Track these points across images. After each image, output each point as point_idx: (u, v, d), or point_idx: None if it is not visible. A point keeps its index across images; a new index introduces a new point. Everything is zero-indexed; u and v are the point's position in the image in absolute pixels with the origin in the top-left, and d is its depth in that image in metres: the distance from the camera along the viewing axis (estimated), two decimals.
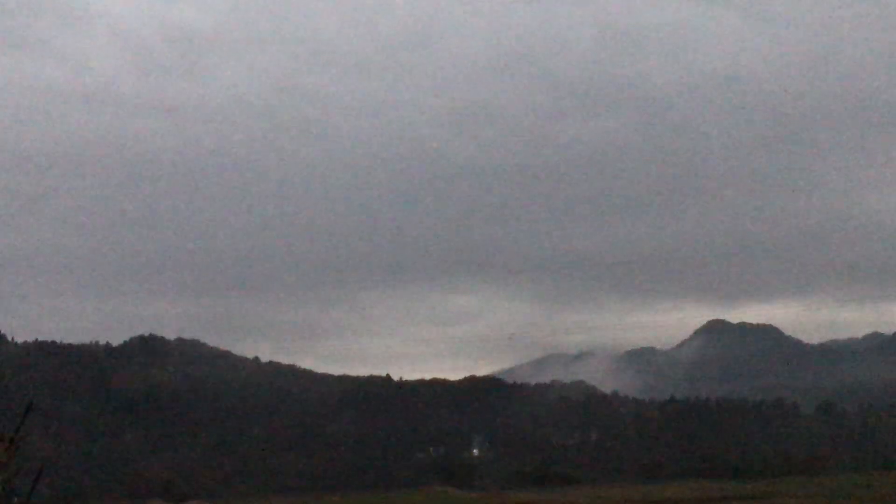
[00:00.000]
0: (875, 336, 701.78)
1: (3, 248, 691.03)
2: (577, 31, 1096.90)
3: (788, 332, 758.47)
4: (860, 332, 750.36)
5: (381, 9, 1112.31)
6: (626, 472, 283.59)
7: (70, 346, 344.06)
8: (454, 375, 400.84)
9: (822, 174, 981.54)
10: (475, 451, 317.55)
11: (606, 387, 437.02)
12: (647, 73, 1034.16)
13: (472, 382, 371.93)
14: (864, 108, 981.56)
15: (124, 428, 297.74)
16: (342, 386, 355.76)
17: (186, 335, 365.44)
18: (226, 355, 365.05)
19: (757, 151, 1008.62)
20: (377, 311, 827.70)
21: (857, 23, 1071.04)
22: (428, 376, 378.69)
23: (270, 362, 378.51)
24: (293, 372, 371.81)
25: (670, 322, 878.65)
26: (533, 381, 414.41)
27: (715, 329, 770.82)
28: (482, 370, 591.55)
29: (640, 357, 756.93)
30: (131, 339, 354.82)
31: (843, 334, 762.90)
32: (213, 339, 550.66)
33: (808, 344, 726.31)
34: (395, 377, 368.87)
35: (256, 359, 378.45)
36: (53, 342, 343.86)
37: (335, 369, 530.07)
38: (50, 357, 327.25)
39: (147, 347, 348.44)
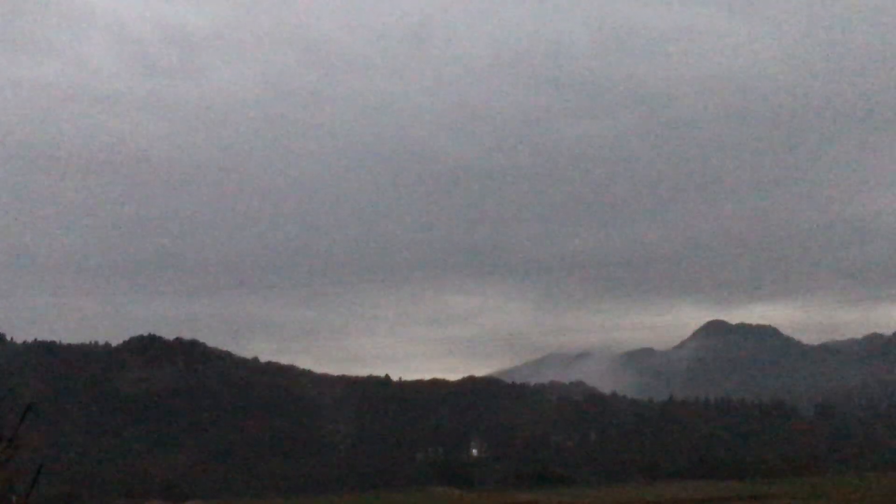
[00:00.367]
0: (874, 337, 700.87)
1: (3, 248, 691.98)
2: (577, 31, 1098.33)
3: (787, 332, 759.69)
4: (859, 333, 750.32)
5: (381, 9, 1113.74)
6: (624, 472, 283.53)
7: (70, 346, 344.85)
8: (453, 376, 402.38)
9: (822, 174, 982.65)
10: (474, 452, 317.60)
11: (605, 387, 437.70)
12: (647, 73, 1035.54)
13: (471, 383, 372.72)
14: (864, 108, 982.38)
15: (124, 428, 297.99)
16: (341, 386, 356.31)
17: (186, 335, 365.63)
18: (226, 355, 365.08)
19: (757, 152, 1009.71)
20: (376, 311, 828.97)
21: (858, 23, 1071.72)
22: (427, 377, 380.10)
23: (270, 362, 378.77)
24: (293, 372, 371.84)
25: (669, 322, 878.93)
26: (532, 382, 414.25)
27: (714, 330, 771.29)
28: (481, 370, 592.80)
29: (639, 357, 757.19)
30: (131, 339, 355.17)
31: (842, 335, 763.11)
32: (213, 339, 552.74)
33: (807, 345, 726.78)
34: (395, 377, 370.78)
35: (256, 359, 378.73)
36: (53, 342, 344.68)
37: (334, 369, 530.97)
38: (50, 357, 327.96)
39: (147, 347, 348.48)
